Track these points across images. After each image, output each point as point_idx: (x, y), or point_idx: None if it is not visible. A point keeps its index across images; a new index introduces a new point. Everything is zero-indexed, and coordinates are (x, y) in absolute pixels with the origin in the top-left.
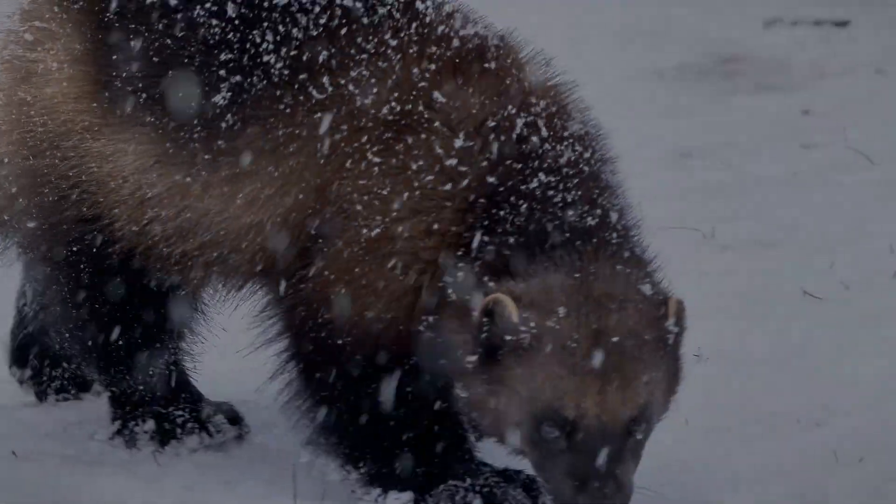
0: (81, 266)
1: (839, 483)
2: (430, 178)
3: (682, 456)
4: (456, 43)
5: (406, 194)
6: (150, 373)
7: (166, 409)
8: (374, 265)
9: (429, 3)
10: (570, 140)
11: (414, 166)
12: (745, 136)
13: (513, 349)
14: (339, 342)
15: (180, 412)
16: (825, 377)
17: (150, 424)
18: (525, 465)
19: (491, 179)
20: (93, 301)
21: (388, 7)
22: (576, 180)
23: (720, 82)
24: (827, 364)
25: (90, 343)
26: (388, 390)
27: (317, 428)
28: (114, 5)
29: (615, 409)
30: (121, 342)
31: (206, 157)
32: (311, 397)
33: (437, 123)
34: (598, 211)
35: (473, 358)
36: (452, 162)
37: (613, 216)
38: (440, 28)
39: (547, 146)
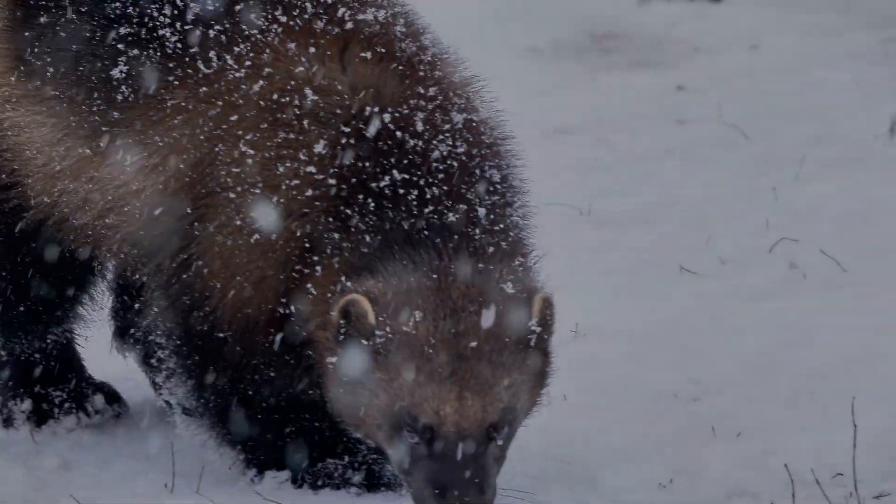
0: None
1: (717, 457)
2: (296, 182)
3: (561, 432)
4: (349, 26)
5: (275, 198)
6: (44, 343)
7: (45, 390)
8: (245, 255)
9: None
10: (448, 133)
11: (282, 169)
12: (621, 113)
13: (370, 352)
14: (219, 324)
15: (59, 392)
16: (702, 352)
17: (27, 404)
18: None
19: (342, 182)
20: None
21: None
22: (442, 175)
23: (595, 59)
24: (704, 339)
25: None
26: (267, 376)
27: (197, 407)
28: None
29: (475, 416)
30: (22, 307)
31: (104, 129)
32: (191, 378)
33: (306, 122)
34: (464, 206)
35: (333, 359)
36: (313, 169)
37: (481, 211)
38: (341, 9)
39: (414, 142)
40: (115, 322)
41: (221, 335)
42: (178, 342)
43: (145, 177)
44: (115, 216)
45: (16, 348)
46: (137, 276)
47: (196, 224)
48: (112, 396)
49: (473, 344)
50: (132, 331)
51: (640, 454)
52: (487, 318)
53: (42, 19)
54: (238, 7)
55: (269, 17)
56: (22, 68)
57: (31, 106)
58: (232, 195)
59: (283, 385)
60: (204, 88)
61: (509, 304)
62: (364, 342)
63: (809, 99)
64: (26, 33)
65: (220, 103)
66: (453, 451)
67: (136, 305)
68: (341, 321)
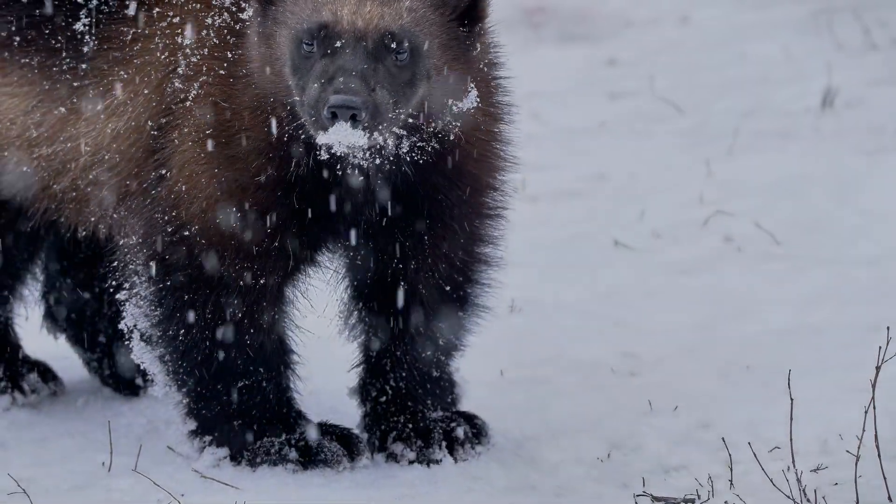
0: None
1: (653, 431)
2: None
3: (498, 407)
4: None
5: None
6: None
7: None
8: (204, 157)
9: None
10: None
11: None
12: (553, 87)
13: None
14: (192, 240)
15: None
16: (637, 326)
17: None
18: (343, 419)
19: None
20: None
21: None
22: None
23: (525, 33)
24: (639, 313)
25: None
26: (231, 316)
27: (159, 337)
28: None
29: (370, 17)
30: None
31: (76, 84)
32: (161, 305)
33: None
34: None
35: (251, 12)
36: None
37: None
38: None
39: None
40: (47, 302)
41: (191, 242)
42: (153, 265)
43: (118, 117)
44: (98, 169)
45: None
46: (113, 227)
47: (162, 138)
48: (48, 374)
49: None
50: (66, 311)
51: (577, 429)
52: None
53: None
54: None
55: None
56: None
57: (1, 77)
58: (187, 105)
59: (245, 318)
60: (157, 9)
61: None
62: None
63: (741, 72)
64: None
65: (170, 13)
66: (346, 49)
67: (70, 282)
68: None
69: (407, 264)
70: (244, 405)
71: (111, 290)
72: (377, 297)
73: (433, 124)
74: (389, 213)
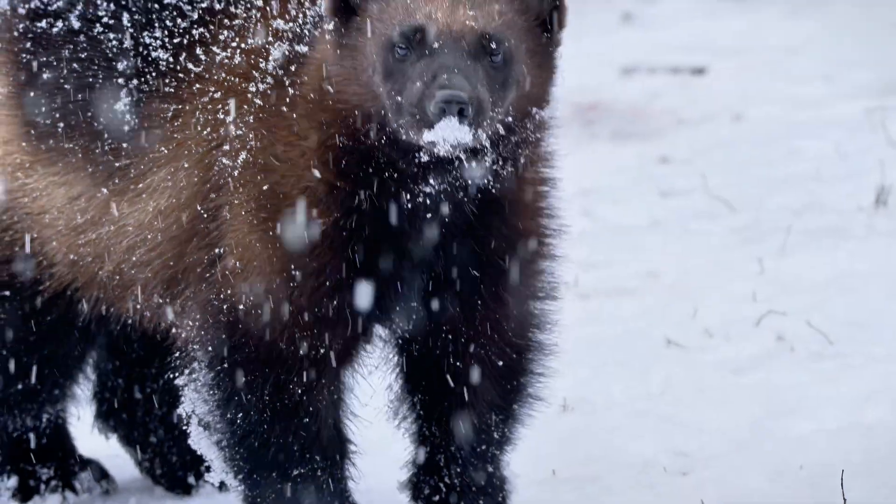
0: (2, 307)
1: None
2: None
3: None
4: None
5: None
6: (38, 421)
7: (32, 466)
8: (257, 234)
9: None
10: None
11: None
12: (605, 184)
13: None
14: (247, 316)
15: (46, 469)
16: (689, 425)
17: (13, 481)
18: None
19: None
20: (3, 341)
21: None
22: None
23: (579, 130)
24: (691, 412)
25: None
26: (290, 390)
27: (217, 422)
28: (28, 45)
29: (465, 19)
30: (21, 385)
31: (118, 164)
32: (219, 389)
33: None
34: None
35: (330, 26)
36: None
37: None
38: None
39: None
40: (99, 402)
41: (247, 319)
42: (210, 348)
43: (160, 193)
44: (141, 250)
45: (9, 425)
46: (159, 316)
47: (210, 219)
48: (101, 473)
49: None
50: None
51: None
52: None
53: (45, 76)
54: (218, 7)
55: (248, 4)
56: (33, 132)
57: (46, 168)
58: (236, 175)
59: (302, 402)
60: (197, 85)
61: None
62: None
63: (794, 169)
64: (32, 94)
65: (218, 95)
66: (445, 49)
67: (122, 381)
68: None
69: (460, 339)
70: (299, 494)
71: (163, 387)
72: (430, 385)
73: (517, 133)
74: (447, 262)
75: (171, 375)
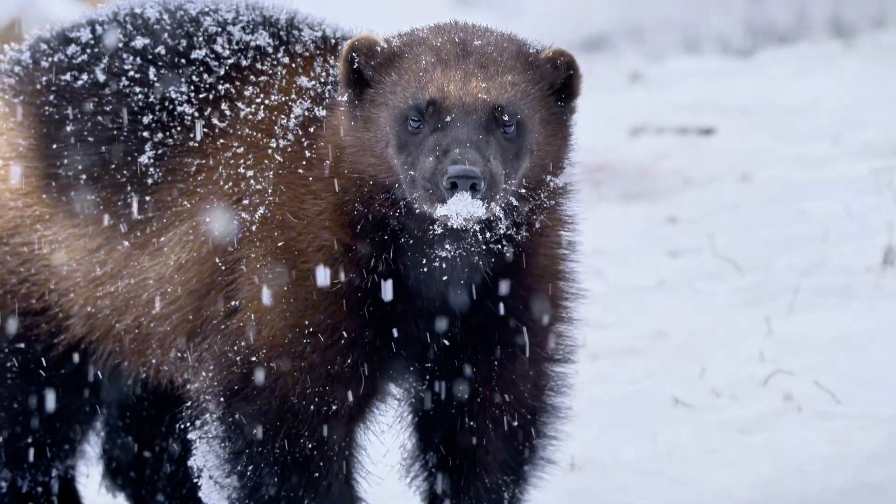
0: (16, 360)
1: None
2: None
3: None
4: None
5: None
6: (47, 478)
7: None
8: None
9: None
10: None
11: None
12: (614, 245)
13: (380, 65)
14: (261, 369)
15: None
16: (696, 485)
17: None
18: None
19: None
20: (16, 395)
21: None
22: None
23: (587, 190)
24: (698, 472)
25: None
26: (302, 446)
27: (224, 474)
28: (51, 98)
29: (478, 92)
30: (31, 440)
31: (140, 217)
32: (230, 440)
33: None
34: None
35: (344, 98)
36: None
37: None
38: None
39: None
40: (108, 460)
41: (261, 372)
42: (223, 401)
43: (181, 247)
44: (160, 303)
45: (17, 480)
46: (175, 369)
47: (228, 272)
48: None
49: (478, 42)
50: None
51: None
52: (491, 34)
53: (68, 129)
54: (245, 64)
55: (274, 61)
56: (54, 184)
57: (67, 220)
58: (254, 230)
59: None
60: (221, 140)
61: (518, 44)
62: (373, 62)
63: (801, 229)
64: (55, 146)
65: (241, 150)
66: (457, 122)
67: (131, 440)
68: (352, 55)
69: (475, 400)
70: None
71: (172, 447)
72: (443, 444)
73: (530, 202)
74: (463, 323)
75: (181, 434)
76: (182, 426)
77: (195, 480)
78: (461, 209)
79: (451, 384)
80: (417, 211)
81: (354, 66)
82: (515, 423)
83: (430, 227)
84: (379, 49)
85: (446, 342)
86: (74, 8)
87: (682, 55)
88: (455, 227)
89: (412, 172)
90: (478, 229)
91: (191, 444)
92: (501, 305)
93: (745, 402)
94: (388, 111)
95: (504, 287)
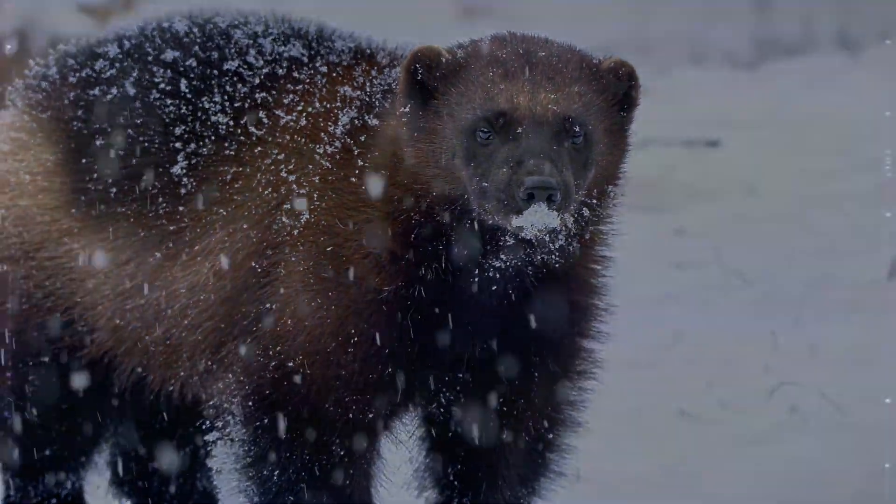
0: (38, 374)
1: None
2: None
3: None
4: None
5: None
6: (59, 489)
7: None
8: (312, 292)
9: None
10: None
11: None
12: (619, 257)
13: (444, 76)
14: (295, 375)
15: None
16: (702, 497)
17: None
18: None
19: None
20: (37, 409)
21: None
22: None
23: None
24: (704, 484)
25: (17, 450)
26: (332, 447)
27: (244, 478)
28: (79, 112)
29: (547, 103)
30: (47, 452)
31: (172, 228)
32: (251, 443)
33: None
34: None
35: (405, 108)
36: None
37: None
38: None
39: None
40: (115, 469)
41: (295, 378)
42: (251, 404)
43: (216, 255)
44: (193, 312)
45: (30, 491)
46: (204, 379)
47: (265, 275)
48: None
49: (542, 53)
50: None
51: None
52: (554, 46)
53: (97, 143)
54: (280, 72)
55: (311, 70)
56: (83, 198)
57: (95, 234)
58: (296, 234)
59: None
60: (259, 148)
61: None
62: (438, 74)
63: (808, 242)
64: (84, 161)
65: (281, 156)
66: (528, 133)
67: (144, 451)
68: (415, 66)
69: (503, 411)
70: None
71: (183, 461)
72: (464, 458)
73: (594, 212)
74: (501, 335)
75: (193, 448)
76: (193, 444)
77: (203, 489)
78: (537, 220)
79: (480, 396)
80: (490, 223)
81: (418, 78)
82: (536, 437)
83: (501, 238)
84: (443, 60)
85: (482, 354)
86: (82, 21)
87: (688, 68)
88: (528, 237)
89: (484, 184)
90: (548, 240)
91: (201, 458)
92: (541, 318)
93: (752, 415)
94: (455, 123)
95: (546, 299)
